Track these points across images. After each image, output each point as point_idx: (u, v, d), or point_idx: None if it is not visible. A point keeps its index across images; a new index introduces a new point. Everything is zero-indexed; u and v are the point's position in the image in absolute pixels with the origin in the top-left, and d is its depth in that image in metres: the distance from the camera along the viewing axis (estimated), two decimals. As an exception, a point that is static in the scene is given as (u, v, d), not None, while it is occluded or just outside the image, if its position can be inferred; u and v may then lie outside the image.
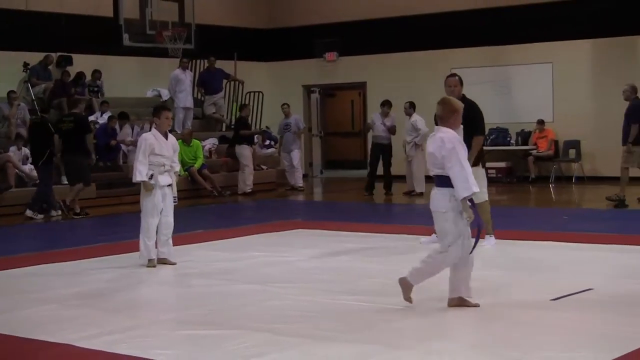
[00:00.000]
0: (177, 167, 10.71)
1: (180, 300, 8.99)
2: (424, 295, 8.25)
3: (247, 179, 21.00)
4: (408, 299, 7.72)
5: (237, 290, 8.89)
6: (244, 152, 21.16)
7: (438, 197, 7.80)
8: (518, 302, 7.95)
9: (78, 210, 16.73)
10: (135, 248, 10.98)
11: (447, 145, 7.71)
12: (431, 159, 7.90)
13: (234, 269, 10.19)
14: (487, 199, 11.32)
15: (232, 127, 22.35)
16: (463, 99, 11.46)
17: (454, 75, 11.89)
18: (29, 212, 16.41)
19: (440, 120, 8.18)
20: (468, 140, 11.26)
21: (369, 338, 6.77)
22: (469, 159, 11.08)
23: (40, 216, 16.56)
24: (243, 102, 22.70)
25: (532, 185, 21.46)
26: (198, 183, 19.91)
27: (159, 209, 10.32)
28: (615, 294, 8.20)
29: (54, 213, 16.69)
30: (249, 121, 23.48)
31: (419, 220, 15.18)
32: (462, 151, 7.80)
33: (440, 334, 6.84)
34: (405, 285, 7.73)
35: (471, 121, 11.31)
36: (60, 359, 6.49)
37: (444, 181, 7.73)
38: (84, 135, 16.99)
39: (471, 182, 7.60)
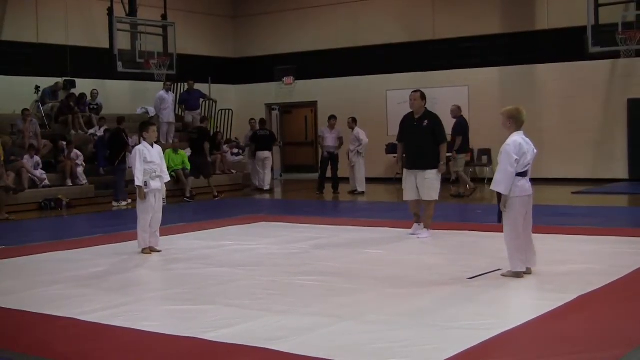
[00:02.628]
0: (167, 178, 10.72)
1: (164, 281, 8.95)
2: (367, 275, 8.33)
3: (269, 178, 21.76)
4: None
5: (212, 272, 8.86)
6: (270, 157, 21.71)
7: None
8: (442, 281, 7.99)
9: (216, 194, 19.31)
10: (127, 238, 11.10)
11: None
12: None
13: (209, 255, 10.16)
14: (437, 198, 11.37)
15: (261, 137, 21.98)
16: (426, 112, 11.34)
17: (416, 90, 11.39)
18: (115, 204, 17.58)
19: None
20: (435, 148, 11.21)
21: (321, 311, 6.77)
22: (440, 165, 11.09)
23: (124, 203, 17.65)
24: (252, 119, 22.72)
25: (453, 185, 21.56)
26: (183, 183, 19.90)
27: (151, 207, 10.34)
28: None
29: (123, 203, 17.74)
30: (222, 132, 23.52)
31: (361, 214, 15.27)
32: None
33: (377, 307, 6.86)
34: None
35: (437, 131, 11.24)
36: (65, 330, 6.44)
37: None
38: (205, 142, 19.37)
39: None
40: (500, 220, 8.14)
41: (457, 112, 17.82)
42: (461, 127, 17.62)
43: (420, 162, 11.13)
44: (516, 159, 7.86)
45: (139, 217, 10.38)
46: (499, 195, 7.99)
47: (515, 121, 8.08)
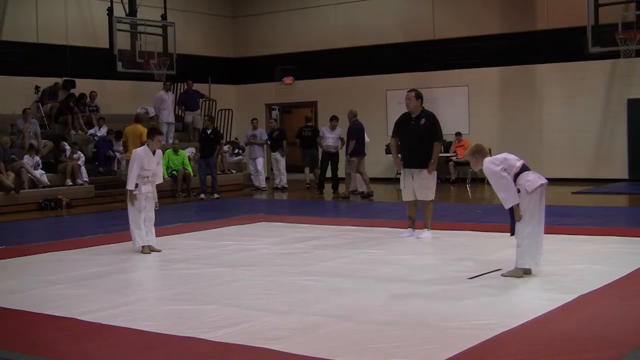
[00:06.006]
0: (159, 180, 10.71)
1: (164, 281, 8.94)
2: (367, 274, 8.33)
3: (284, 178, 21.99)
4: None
5: (211, 272, 8.87)
6: (278, 157, 22.00)
7: None
8: (442, 281, 7.99)
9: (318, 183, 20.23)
10: (127, 239, 11.00)
11: None
12: None
13: (208, 255, 10.17)
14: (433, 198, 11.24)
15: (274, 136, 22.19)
16: (423, 111, 11.25)
17: (411, 90, 11.32)
18: (202, 195, 19.40)
19: None
20: (429, 145, 11.12)
21: (321, 311, 6.77)
22: (432, 162, 10.96)
23: (204, 196, 19.28)
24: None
25: (453, 186, 21.59)
26: (185, 183, 20.13)
27: (143, 207, 10.37)
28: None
29: (203, 196, 19.41)
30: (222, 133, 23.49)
31: (361, 214, 15.27)
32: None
33: (378, 307, 6.85)
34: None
35: (431, 129, 11.13)
36: (65, 330, 6.43)
37: None
38: (316, 138, 20.63)
39: None
40: (513, 233, 8.08)
41: (352, 116, 18.57)
42: (356, 130, 18.14)
43: (416, 161, 11.04)
44: (502, 168, 7.87)
45: (130, 216, 10.45)
46: (511, 210, 7.96)
47: (480, 155, 8.15)
